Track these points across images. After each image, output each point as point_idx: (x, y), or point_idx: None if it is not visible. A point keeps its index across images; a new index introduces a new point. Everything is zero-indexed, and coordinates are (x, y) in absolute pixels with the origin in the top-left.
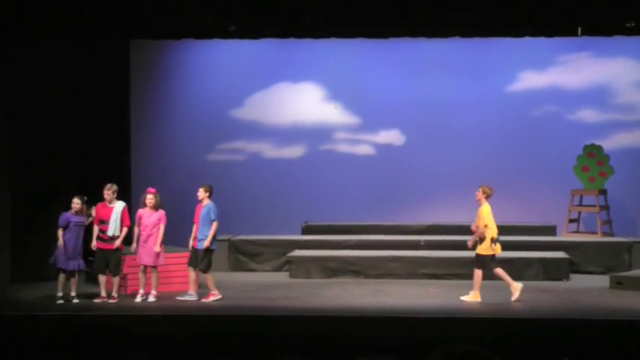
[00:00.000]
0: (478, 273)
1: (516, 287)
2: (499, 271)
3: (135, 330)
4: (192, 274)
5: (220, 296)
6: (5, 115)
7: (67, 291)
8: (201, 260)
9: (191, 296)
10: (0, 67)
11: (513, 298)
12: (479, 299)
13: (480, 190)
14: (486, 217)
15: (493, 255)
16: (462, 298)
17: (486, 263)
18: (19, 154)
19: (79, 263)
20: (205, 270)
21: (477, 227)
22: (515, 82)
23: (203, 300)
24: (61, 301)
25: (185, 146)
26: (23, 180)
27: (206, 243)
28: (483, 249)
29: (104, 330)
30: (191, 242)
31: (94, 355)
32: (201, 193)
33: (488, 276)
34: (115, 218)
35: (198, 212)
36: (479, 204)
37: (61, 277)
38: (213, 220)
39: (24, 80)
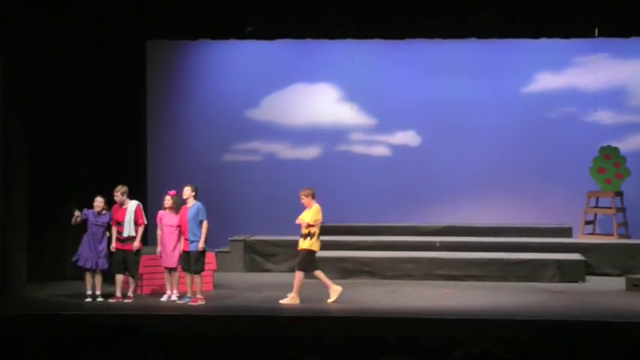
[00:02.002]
0: (300, 275)
1: (335, 290)
2: (319, 273)
3: (150, 330)
4: (188, 277)
5: (204, 302)
6: (22, 115)
7: (93, 289)
8: (195, 262)
9: (189, 299)
10: (17, 67)
11: (330, 300)
12: (297, 302)
13: (302, 195)
14: (313, 216)
15: (315, 252)
16: (281, 301)
17: (309, 260)
18: (35, 154)
19: (97, 262)
20: (199, 271)
21: (303, 222)
22: (532, 83)
23: (190, 303)
24: (89, 299)
25: (201, 147)
26: (40, 180)
27: (200, 245)
28: (309, 244)
29: (119, 330)
30: (181, 245)
31: (109, 355)
32: (187, 193)
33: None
34: (129, 219)
35: (185, 213)
36: (308, 207)
37: (86, 275)
38: (203, 220)
39: (41, 81)
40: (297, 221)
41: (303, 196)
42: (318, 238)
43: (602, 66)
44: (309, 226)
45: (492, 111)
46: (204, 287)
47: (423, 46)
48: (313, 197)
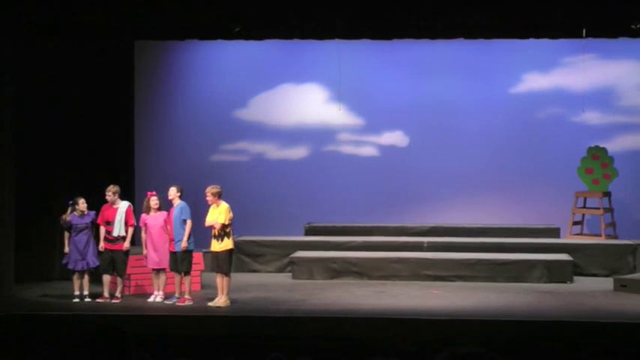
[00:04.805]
0: (228, 277)
1: (224, 300)
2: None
3: (137, 330)
4: (177, 277)
5: (192, 302)
6: (10, 117)
7: (81, 290)
8: (181, 262)
9: (177, 300)
10: (5, 68)
11: (210, 303)
12: (229, 303)
13: (209, 193)
14: (227, 215)
15: (233, 250)
16: (210, 303)
17: (231, 260)
18: (23, 155)
19: (87, 262)
20: (187, 272)
21: (217, 223)
22: (520, 83)
23: (177, 304)
24: (77, 300)
25: (189, 147)
26: (27, 181)
27: (183, 244)
28: (227, 244)
29: (106, 330)
30: (168, 246)
31: (96, 355)
32: (173, 193)
33: (462, 277)
34: (120, 219)
35: (171, 214)
36: (216, 205)
37: (74, 276)
38: (186, 219)
39: (28, 81)
40: (209, 224)
41: (210, 194)
42: (232, 236)
43: (590, 66)
44: (224, 226)
45: (480, 111)
46: (192, 287)
47: (411, 47)
48: (220, 196)
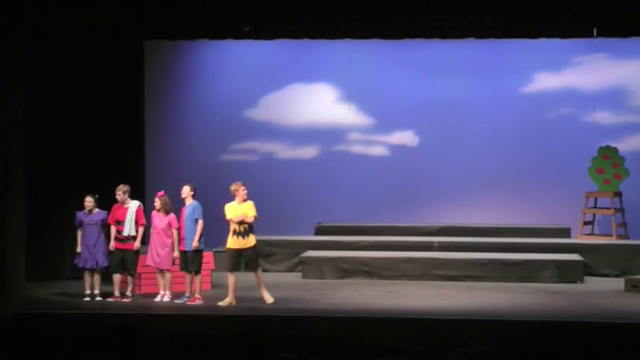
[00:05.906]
0: (233, 278)
1: (230, 300)
2: (234, 276)
3: (148, 329)
4: (187, 277)
5: (202, 301)
6: (21, 116)
7: (92, 289)
8: (191, 262)
9: (187, 299)
10: (16, 68)
11: (221, 303)
12: (234, 303)
13: (240, 188)
14: (254, 210)
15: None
16: (220, 303)
17: (257, 255)
18: (34, 155)
19: (96, 261)
20: (197, 271)
21: (249, 217)
22: (530, 83)
23: (188, 303)
24: (88, 299)
25: (199, 146)
26: (38, 180)
27: (194, 244)
28: (254, 240)
29: (117, 329)
30: (178, 245)
31: (107, 354)
32: (186, 192)
33: (467, 277)
34: (130, 218)
35: (183, 213)
36: (237, 202)
37: (85, 275)
38: (198, 219)
39: (39, 81)
40: (239, 218)
41: (243, 190)
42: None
43: (601, 66)
44: (254, 219)
45: (491, 111)
46: (202, 287)
47: (421, 46)
48: None
